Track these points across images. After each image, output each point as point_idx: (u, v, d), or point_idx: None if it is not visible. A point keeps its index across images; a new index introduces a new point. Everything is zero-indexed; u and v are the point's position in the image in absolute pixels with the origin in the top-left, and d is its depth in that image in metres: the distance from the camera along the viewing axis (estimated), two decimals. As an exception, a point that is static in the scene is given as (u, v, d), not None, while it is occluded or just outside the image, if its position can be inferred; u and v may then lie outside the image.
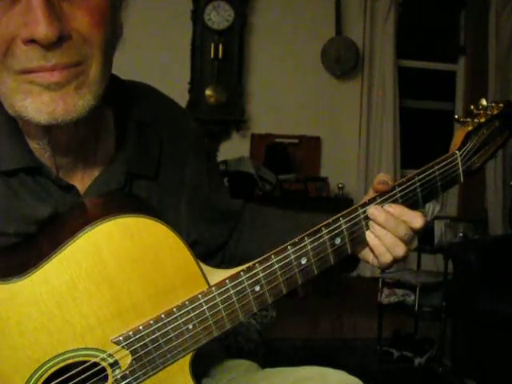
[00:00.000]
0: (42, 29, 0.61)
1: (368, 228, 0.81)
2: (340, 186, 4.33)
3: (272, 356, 2.41)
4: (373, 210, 0.80)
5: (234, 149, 4.47)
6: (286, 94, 4.59)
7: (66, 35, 0.64)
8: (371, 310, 3.23)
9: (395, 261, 0.82)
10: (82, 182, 0.79)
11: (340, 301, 3.55)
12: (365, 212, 0.80)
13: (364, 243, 0.82)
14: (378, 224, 0.80)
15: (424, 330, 3.15)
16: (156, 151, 0.85)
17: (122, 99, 0.84)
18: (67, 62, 0.65)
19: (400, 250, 0.81)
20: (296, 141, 4.59)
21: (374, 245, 0.81)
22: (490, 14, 4.76)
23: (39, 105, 0.65)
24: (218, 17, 4.30)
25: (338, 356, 3.07)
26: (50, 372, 0.71)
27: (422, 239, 3.14)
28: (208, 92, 4.34)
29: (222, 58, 4.31)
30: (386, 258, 0.82)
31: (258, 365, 0.97)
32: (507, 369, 2.53)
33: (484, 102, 0.88)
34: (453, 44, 5.03)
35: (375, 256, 0.83)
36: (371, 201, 0.81)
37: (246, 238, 0.99)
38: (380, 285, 3.15)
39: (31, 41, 0.63)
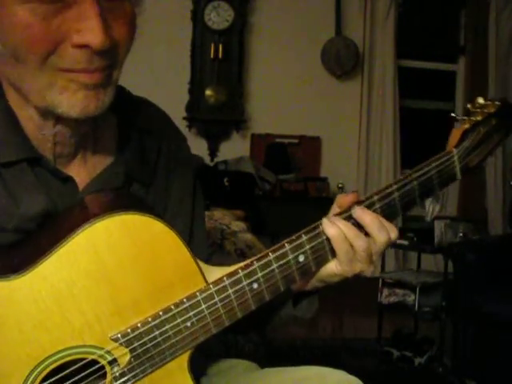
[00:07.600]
0: (99, 38, 0.67)
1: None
2: (340, 185, 4.33)
3: (272, 356, 2.41)
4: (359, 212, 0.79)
5: (233, 149, 4.47)
6: (285, 93, 4.59)
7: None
8: (371, 310, 3.24)
9: (356, 260, 0.79)
10: (78, 174, 0.81)
11: (340, 301, 3.54)
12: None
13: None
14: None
15: (424, 330, 3.15)
16: (153, 160, 0.88)
17: (127, 107, 0.88)
18: (104, 65, 0.71)
19: (361, 242, 0.78)
20: (296, 141, 4.60)
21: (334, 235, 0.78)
22: (490, 14, 4.77)
23: (74, 101, 0.70)
24: (218, 17, 4.31)
25: (338, 356, 3.07)
26: (48, 369, 0.70)
27: (422, 239, 3.15)
28: (208, 92, 4.34)
29: (222, 58, 4.31)
30: (347, 250, 0.78)
31: (257, 365, 0.97)
32: (507, 369, 2.52)
33: (481, 101, 0.88)
34: (453, 44, 5.04)
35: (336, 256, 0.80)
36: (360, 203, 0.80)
37: None
38: (380, 285, 3.14)
39: (83, 46, 0.68)
